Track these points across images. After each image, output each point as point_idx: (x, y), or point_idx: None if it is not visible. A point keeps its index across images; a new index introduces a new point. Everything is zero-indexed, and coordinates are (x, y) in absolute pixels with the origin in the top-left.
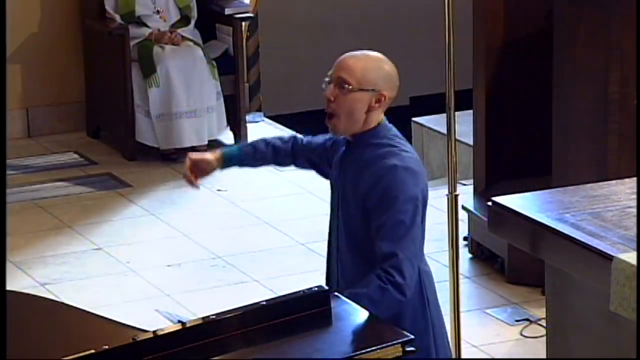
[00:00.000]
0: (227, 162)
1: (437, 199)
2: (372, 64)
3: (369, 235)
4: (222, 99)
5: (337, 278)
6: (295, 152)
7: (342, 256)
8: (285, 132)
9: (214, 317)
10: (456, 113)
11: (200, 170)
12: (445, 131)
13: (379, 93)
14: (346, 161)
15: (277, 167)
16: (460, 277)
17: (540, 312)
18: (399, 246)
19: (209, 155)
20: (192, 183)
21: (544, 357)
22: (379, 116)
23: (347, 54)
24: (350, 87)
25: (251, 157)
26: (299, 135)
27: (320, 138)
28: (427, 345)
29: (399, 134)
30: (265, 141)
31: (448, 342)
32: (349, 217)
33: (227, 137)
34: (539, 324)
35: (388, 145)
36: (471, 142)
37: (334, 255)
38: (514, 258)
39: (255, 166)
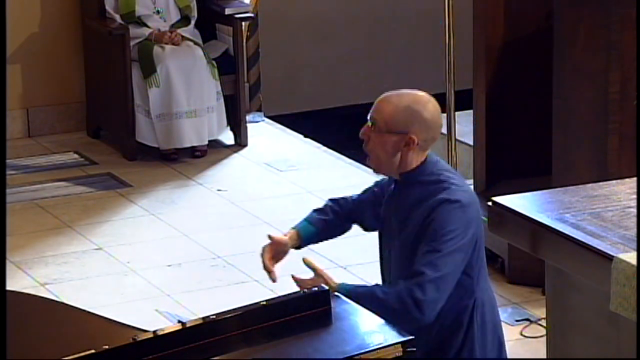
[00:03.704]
0: (305, 241)
1: None
2: (403, 107)
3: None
4: (222, 99)
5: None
6: (349, 212)
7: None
8: (285, 132)
9: (214, 317)
10: (456, 113)
11: (277, 256)
12: (445, 131)
13: (408, 136)
14: (395, 199)
15: (279, 171)
16: None
17: (540, 312)
18: (427, 267)
19: (284, 238)
20: (273, 275)
21: (544, 357)
22: (418, 157)
23: (387, 93)
24: (379, 128)
25: (326, 231)
26: (349, 196)
27: (368, 190)
28: None
29: (448, 167)
30: (329, 209)
31: None
32: (397, 253)
33: (227, 137)
34: (539, 324)
35: (437, 181)
36: (471, 142)
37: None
38: (514, 258)
39: (331, 238)
